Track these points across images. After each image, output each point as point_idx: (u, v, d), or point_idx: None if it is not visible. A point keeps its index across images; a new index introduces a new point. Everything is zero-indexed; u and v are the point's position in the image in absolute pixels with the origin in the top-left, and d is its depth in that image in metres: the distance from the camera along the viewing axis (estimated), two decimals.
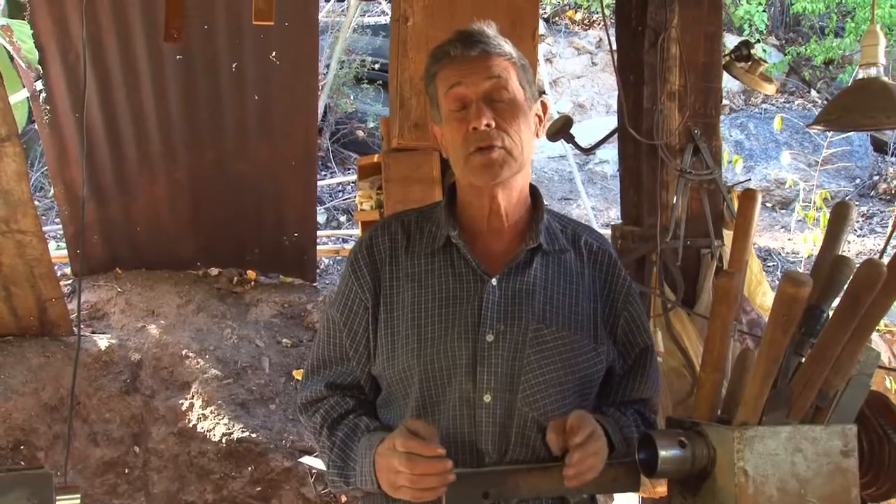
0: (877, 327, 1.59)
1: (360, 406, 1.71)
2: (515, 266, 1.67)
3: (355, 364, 1.71)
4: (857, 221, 7.69)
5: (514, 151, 1.61)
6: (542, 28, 10.04)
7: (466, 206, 1.72)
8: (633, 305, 1.75)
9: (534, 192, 1.76)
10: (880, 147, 8.90)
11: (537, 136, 1.72)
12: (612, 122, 3.05)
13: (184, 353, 4.64)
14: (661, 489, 2.40)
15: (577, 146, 3.07)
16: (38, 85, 4.48)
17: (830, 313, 1.57)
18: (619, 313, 1.73)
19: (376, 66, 8.15)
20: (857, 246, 7.18)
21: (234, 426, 4.36)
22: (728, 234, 2.81)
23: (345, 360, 1.72)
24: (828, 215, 1.86)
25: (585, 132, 4.04)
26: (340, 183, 7.75)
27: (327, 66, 7.72)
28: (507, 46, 1.68)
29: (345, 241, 6.45)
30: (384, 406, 1.71)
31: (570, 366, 1.63)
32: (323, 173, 7.71)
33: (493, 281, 1.64)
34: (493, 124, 1.60)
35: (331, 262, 6.05)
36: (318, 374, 1.75)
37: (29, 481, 1.49)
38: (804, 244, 5.81)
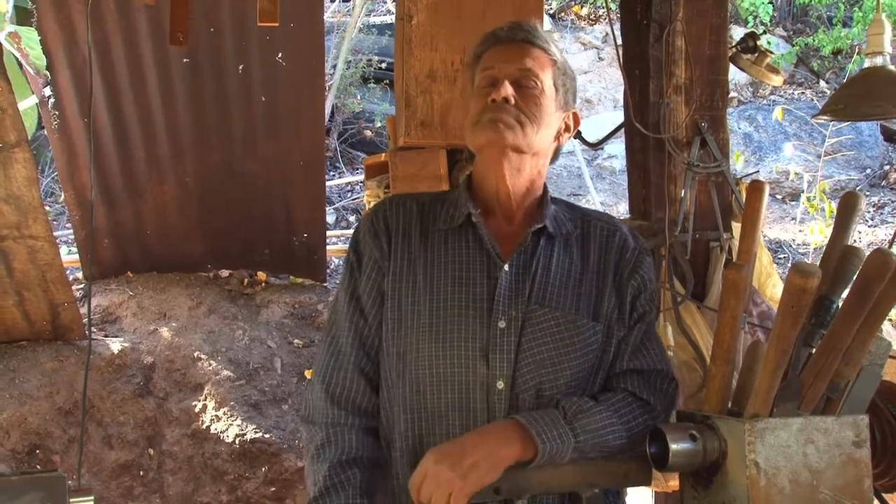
0: (888, 317, 1.58)
1: (359, 460, 1.66)
2: (524, 250, 1.69)
3: (368, 331, 1.71)
4: (868, 211, 7.65)
5: (525, 127, 1.64)
6: (547, 23, 10.02)
7: (478, 190, 1.76)
8: (642, 276, 1.76)
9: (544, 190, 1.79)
10: (890, 136, 8.85)
11: (559, 142, 1.76)
12: (620, 117, 3.05)
13: (196, 354, 4.65)
14: (674, 483, 2.40)
15: (584, 142, 3.07)
16: (47, 91, 4.51)
17: (840, 304, 1.56)
18: (625, 283, 1.74)
19: (383, 66, 8.16)
20: (868, 236, 7.14)
21: (247, 427, 4.38)
22: (737, 227, 2.80)
23: (357, 335, 1.71)
24: (833, 206, 1.86)
25: (593, 127, 4.04)
26: (349, 183, 7.76)
27: (334, 67, 7.73)
28: (553, 47, 1.73)
29: None
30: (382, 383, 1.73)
31: (565, 346, 1.64)
32: (331, 173, 7.72)
33: (506, 267, 1.66)
34: (513, 101, 1.64)
35: (340, 262, 6.06)
36: (326, 376, 1.73)
37: (43, 484, 1.50)
38: (812, 235, 5.80)
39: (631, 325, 1.74)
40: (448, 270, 1.68)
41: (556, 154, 1.80)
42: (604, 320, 1.70)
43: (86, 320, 4.25)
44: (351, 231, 6.82)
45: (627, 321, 1.74)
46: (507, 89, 1.64)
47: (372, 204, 3.57)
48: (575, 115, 1.78)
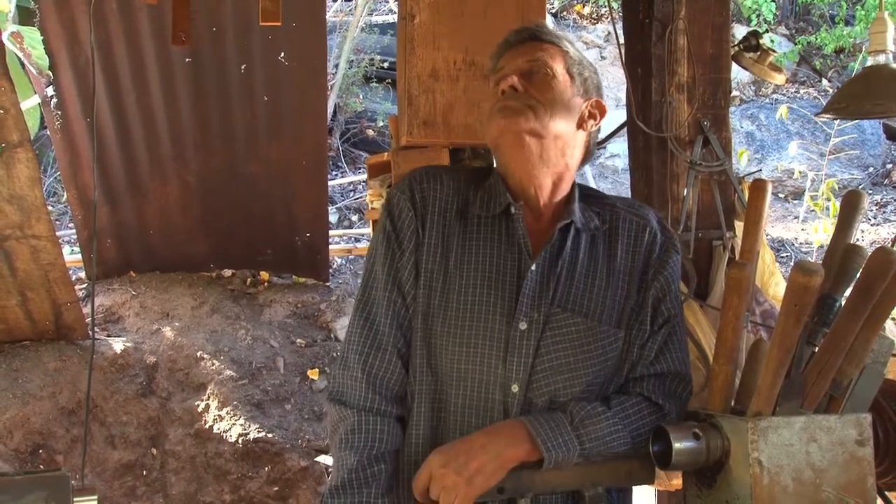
0: (890, 315, 1.58)
1: (387, 454, 1.63)
2: (551, 249, 1.66)
3: (406, 311, 1.67)
4: (871, 210, 7.64)
5: (537, 110, 1.62)
6: (550, 23, 10.00)
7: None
8: (665, 278, 1.71)
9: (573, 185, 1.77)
10: (893, 135, 8.84)
11: (585, 129, 1.72)
12: (623, 116, 3.04)
13: (199, 354, 4.66)
14: (677, 481, 2.40)
15: None
16: (49, 91, 4.51)
17: (843, 302, 1.56)
18: (649, 284, 1.71)
19: (385, 65, 8.16)
20: (870, 235, 7.14)
21: (249, 426, 4.38)
22: (739, 226, 2.80)
23: (395, 315, 1.67)
24: (836, 204, 1.85)
25: None
26: (351, 182, 7.76)
27: (336, 66, 7.73)
28: (564, 41, 1.73)
29: (357, 240, 6.46)
30: None
31: (584, 352, 1.62)
32: (334, 173, 7.72)
33: (533, 266, 1.64)
34: (521, 89, 1.64)
35: (343, 262, 6.06)
36: (364, 356, 1.67)
37: (46, 483, 1.50)
38: (815, 234, 5.79)
39: (655, 330, 1.70)
40: (479, 261, 1.65)
41: (589, 151, 1.77)
42: (625, 325, 1.68)
43: (89, 320, 4.25)
44: (353, 231, 6.82)
45: (650, 325, 1.70)
46: (513, 77, 1.64)
47: (374, 204, 3.57)
48: (598, 102, 1.75)
